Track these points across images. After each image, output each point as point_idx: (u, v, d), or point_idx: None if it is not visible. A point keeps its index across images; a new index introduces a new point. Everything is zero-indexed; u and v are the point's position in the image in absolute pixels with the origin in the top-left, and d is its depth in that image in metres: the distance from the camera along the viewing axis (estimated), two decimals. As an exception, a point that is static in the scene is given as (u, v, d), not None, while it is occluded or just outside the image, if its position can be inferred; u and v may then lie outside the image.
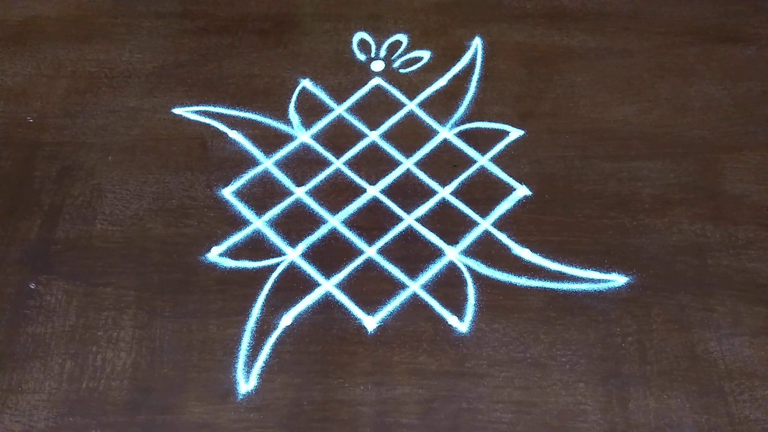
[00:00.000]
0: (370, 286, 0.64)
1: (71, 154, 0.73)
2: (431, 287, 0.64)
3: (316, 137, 0.74)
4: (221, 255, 0.66)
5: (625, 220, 0.67)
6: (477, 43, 0.81)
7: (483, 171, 0.71)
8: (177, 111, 0.76)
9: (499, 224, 0.67)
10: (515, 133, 0.74)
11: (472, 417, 0.57)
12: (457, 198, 0.69)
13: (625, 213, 0.68)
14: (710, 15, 0.79)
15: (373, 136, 0.74)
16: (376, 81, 0.78)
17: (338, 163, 0.72)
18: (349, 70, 0.79)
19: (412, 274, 0.64)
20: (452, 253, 0.66)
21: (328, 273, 0.65)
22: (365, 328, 0.62)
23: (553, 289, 0.63)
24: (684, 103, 0.75)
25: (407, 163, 0.72)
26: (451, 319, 0.62)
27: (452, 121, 0.75)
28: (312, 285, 0.64)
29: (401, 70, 0.79)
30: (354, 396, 0.58)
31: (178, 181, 0.71)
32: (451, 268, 0.65)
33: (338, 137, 0.74)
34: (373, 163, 0.72)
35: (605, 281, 0.64)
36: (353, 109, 0.76)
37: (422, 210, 0.69)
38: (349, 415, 0.57)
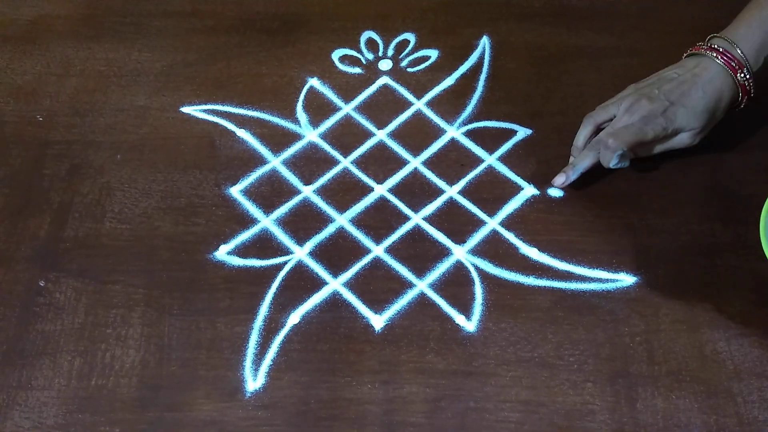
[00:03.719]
0: (378, 285, 0.64)
1: (80, 152, 0.73)
2: (438, 286, 0.64)
3: (324, 136, 0.74)
4: (229, 253, 0.66)
5: (634, 220, 0.67)
6: (485, 42, 0.81)
7: (490, 170, 0.71)
8: (185, 110, 0.76)
9: (507, 223, 0.67)
10: (523, 133, 0.74)
11: (480, 416, 0.57)
12: (464, 197, 0.69)
13: (633, 213, 0.68)
14: (718, 14, 0.78)
15: (381, 135, 0.74)
16: (383, 80, 0.78)
17: (346, 162, 0.72)
18: (357, 69, 0.79)
19: (420, 272, 0.65)
20: (459, 252, 0.66)
21: (335, 272, 0.65)
22: (373, 326, 0.62)
23: (560, 289, 0.63)
24: (693, 102, 0.74)
25: (414, 162, 0.72)
26: (459, 319, 0.62)
27: (460, 120, 0.75)
28: (319, 283, 0.64)
29: (409, 69, 0.79)
30: (361, 394, 0.58)
31: (187, 179, 0.71)
32: (459, 267, 0.65)
33: (346, 136, 0.74)
34: (381, 162, 0.72)
35: (613, 281, 0.64)
36: (361, 108, 0.76)
37: (429, 209, 0.69)
38: (356, 413, 0.57)
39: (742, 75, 0.63)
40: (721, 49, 0.64)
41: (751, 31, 0.64)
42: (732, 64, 0.63)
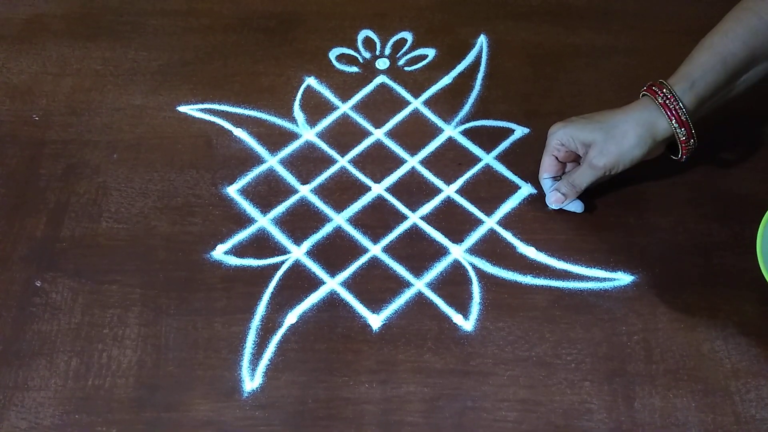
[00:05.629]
0: (375, 285, 0.64)
1: (76, 152, 0.73)
2: (436, 285, 0.64)
3: (321, 135, 0.74)
4: (226, 253, 0.66)
5: (631, 219, 0.67)
6: (482, 41, 0.81)
7: (488, 169, 0.71)
8: (182, 109, 0.76)
9: (504, 222, 0.67)
10: (520, 132, 0.74)
11: (477, 415, 0.57)
12: (462, 196, 0.69)
13: (630, 212, 0.68)
14: (716, 13, 0.78)
15: (378, 134, 0.74)
16: (380, 79, 0.78)
17: (343, 161, 0.72)
18: (354, 68, 0.79)
19: (417, 272, 0.64)
20: (457, 252, 0.66)
21: (333, 271, 0.65)
22: (370, 326, 0.62)
23: (558, 288, 0.63)
24: (690, 101, 0.74)
25: (412, 162, 0.72)
26: (456, 318, 0.62)
27: (457, 119, 0.75)
28: (317, 283, 0.64)
29: (406, 68, 0.79)
30: (359, 394, 0.58)
31: (183, 179, 0.71)
32: (456, 266, 0.65)
33: (343, 135, 0.74)
34: (378, 162, 0.72)
35: (611, 280, 0.64)
36: (358, 107, 0.76)
37: (427, 208, 0.69)
38: (353, 413, 0.57)
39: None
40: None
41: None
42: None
